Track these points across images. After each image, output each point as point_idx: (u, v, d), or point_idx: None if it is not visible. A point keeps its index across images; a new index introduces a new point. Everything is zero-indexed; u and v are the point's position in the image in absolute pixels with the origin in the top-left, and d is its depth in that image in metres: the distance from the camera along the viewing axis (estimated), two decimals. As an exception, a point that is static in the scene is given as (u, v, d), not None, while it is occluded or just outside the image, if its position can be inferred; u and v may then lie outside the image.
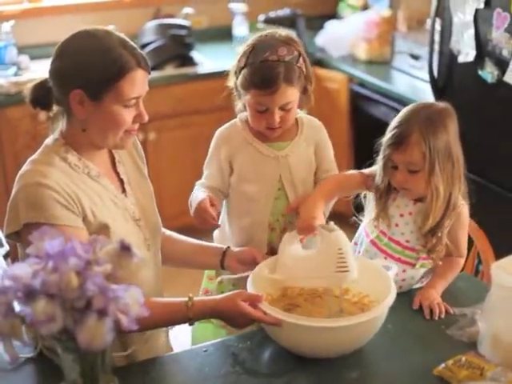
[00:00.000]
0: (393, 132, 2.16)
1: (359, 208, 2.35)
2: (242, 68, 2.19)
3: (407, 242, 2.25)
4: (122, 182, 2.12)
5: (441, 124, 2.14)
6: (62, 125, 2.02)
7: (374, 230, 2.28)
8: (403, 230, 2.25)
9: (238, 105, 2.32)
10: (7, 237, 1.94)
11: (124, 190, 2.11)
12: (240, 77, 2.20)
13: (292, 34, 2.27)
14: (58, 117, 2.03)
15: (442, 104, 2.22)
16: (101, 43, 1.93)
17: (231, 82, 2.27)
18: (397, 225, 2.25)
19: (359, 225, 2.37)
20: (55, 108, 2.03)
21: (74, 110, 1.94)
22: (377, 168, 2.24)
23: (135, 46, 1.98)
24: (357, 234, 2.38)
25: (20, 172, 1.98)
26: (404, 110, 2.20)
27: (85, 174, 2.00)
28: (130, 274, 1.87)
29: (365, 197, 2.34)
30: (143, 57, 1.97)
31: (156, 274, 2.18)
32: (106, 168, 2.09)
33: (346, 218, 2.36)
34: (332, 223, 2.09)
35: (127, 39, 1.98)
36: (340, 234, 2.04)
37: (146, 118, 2.02)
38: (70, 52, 1.95)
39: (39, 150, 2.03)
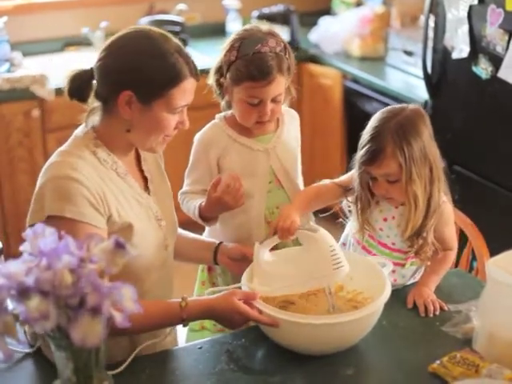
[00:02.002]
0: (366, 147, 2.12)
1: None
2: (233, 62, 2.18)
3: (393, 244, 2.25)
4: (145, 180, 2.11)
5: (413, 130, 2.11)
6: (95, 119, 1.98)
7: (363, 236, 2.28)
8: (388, 233, 2.24)
9: (222, 103, 2.31)
10: (30, 228, 1.90)
11: (147, 188, 2.10)
12: (231, 71, 2.19)
13: (272, 27, 2.28)
14: (95, 111, 1.99)
15: (411, 107, 2.17)
16: (158, 47, 1.92)
17: (212, 79, 2.27)
18: (381, 229, 2.25)
19: (344, 224, 2.38)
20: (92, 101, 1.98)
21: (120, 110, 1.92)
22: (353, 180, 2.23)
23: (189, 53, 1.97)
24: (344, 235, 2.38)
25: (48, 162, 1.94)
26: (373, 121, 2.16)
27: (113, 170, 1.98)
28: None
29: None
30: (195, 65, 1.97)
31: (170, 274, 2.18)
32: (131, 165, 2.07)
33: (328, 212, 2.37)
34: (312, 223, 2.09)
35: (182, 46, 1.96)
36: (324, 232, 2.05)
37: (188, 125, 2.02)
38: (126, 51, 1.92)
39: (68, 142, 1.99)
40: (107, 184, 1.95)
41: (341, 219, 2.36)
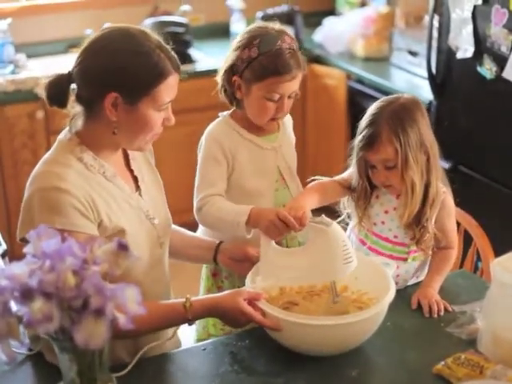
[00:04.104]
0: (363, 133, 2.17)
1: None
2: (254, 58, 2.17)
3: (395, 237, 2.25)
4: (135, 179, 2.09)
5: (408, 117, 2.14)
6: (78, 123, 1.96)
7: (362, 229, 2.29)
8: (390, 226, 2.25)
9: (230, 101, 2.29)
10: (21, 241, 1.87)
11: (138, 188, 2.08)
12: (252, 67, 2.18)
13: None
14: (78, 116, 1.96)
15: (406, 96, 2.22)
16: (140, 45, 1.89)
17: (221, 79, 2.26)
18: (383, 222, 2.25)
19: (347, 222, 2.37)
20: (74, 105, 1.96)
21: (107, 112, 1.89)
22: (352, 172, 2.25)
23: (169, 48, 1.95)
24: (346, 234, 2.37)
25: (34, 172, 1.93)
26: (370, 109, 2.21)
27: (100, 174, 1.96)
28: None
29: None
30: (176, 60, 1.95)
31: (165, 270, 2.17)
32: (120, 166, 2.06)
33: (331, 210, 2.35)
34: (324, 216, 2.08)
35: (162, 41, 1.94)
36: (337, 226, 2.04)
37: (174, 121, 2.00)
38: (108, 52, 1.89)
39: (52, 149, 1.97)
40: (95, 189, 1.93)
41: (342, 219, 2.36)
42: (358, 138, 2.18)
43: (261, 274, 2.06)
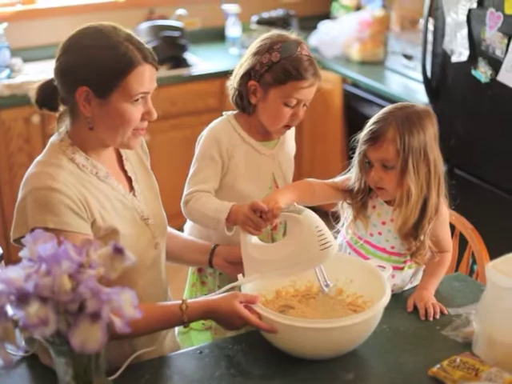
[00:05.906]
0: (370, 128, 2.17)
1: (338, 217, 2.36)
2: (276, 62, 2.18)
3: (392, 248, 2.25)
4: (129, 180, 2.10)
5: (418, 123, 2.14)
6: (67, 124, 1.98)
7: (353, 236, 2.29)
8: (387, 237, 2.24)
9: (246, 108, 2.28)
10: (15, 241, 1.89)
11: (132, 189, 2.09)
12: (274, 71, 2.19)
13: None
14: (64, 116, 1.99)
15: (422, 106, 2.22)
16: (107, 38, 1.91)
17: (237, 83, 2.25)
18: (380, 233, 2.25)
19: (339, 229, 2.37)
20: (61, 107, 1.99)
21: (80, 107, 1.91)
22: (352, 171, 2.25)
23: (141, 41, 1.96)
24: (337, 241, 2.36)
25: (27, 174, 1.94)
26: (383, 109, 2.21)
27: (93, 174, 1.97)
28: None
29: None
30: (150, 52, 1.96)
31: (162, 271, 2.17)
32: (113, 167, 2.07)
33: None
34: (296, 204, 2.07)
35: (133, 34, 1.95)
36: (310, 212, 2.03)
37: (155, 115, 2.00)
38: (76, 48, 1.91)
39: (45, 151, 1.99)
40: (88, 189, 1.94)
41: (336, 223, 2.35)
42: (364, 132, 2.18)
43: (244, 270, 2.07)
